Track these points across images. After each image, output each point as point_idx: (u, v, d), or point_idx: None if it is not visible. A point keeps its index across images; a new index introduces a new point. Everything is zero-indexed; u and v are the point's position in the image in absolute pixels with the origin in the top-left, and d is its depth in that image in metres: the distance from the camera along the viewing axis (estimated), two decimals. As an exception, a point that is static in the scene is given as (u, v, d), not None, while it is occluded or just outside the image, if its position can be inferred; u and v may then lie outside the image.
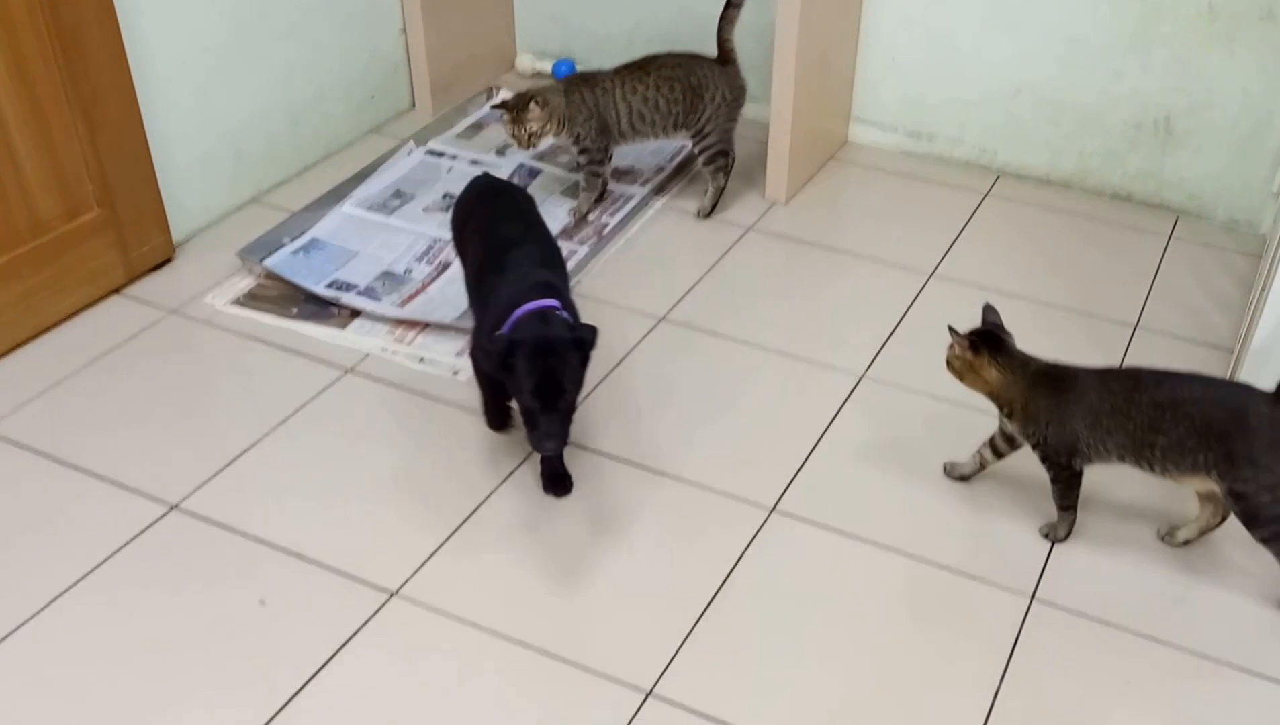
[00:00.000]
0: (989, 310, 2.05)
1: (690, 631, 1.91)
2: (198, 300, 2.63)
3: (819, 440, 2.29)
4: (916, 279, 2.75)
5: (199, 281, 2.69)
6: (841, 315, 2.66)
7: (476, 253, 2.23)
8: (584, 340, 1.96)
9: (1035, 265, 2.80)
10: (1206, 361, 2.43)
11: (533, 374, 1.90)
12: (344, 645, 1.88)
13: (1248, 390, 1.93)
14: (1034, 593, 1.98)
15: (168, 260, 2.74)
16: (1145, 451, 1.93)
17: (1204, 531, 2.03)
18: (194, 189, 2.82)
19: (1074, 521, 2.07)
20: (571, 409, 1.96)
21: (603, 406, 2.36)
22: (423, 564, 2.01)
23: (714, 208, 2.97)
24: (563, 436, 1.95)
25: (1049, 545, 2.07)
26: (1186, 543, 2.04)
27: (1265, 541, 1.92)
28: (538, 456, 2.17)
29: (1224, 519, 2.01)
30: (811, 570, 2.03)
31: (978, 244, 2.89)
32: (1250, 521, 1.91)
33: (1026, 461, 2.15)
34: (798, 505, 2.15)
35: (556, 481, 2.14)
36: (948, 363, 2.03)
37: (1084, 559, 2.05)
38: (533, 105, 2.77)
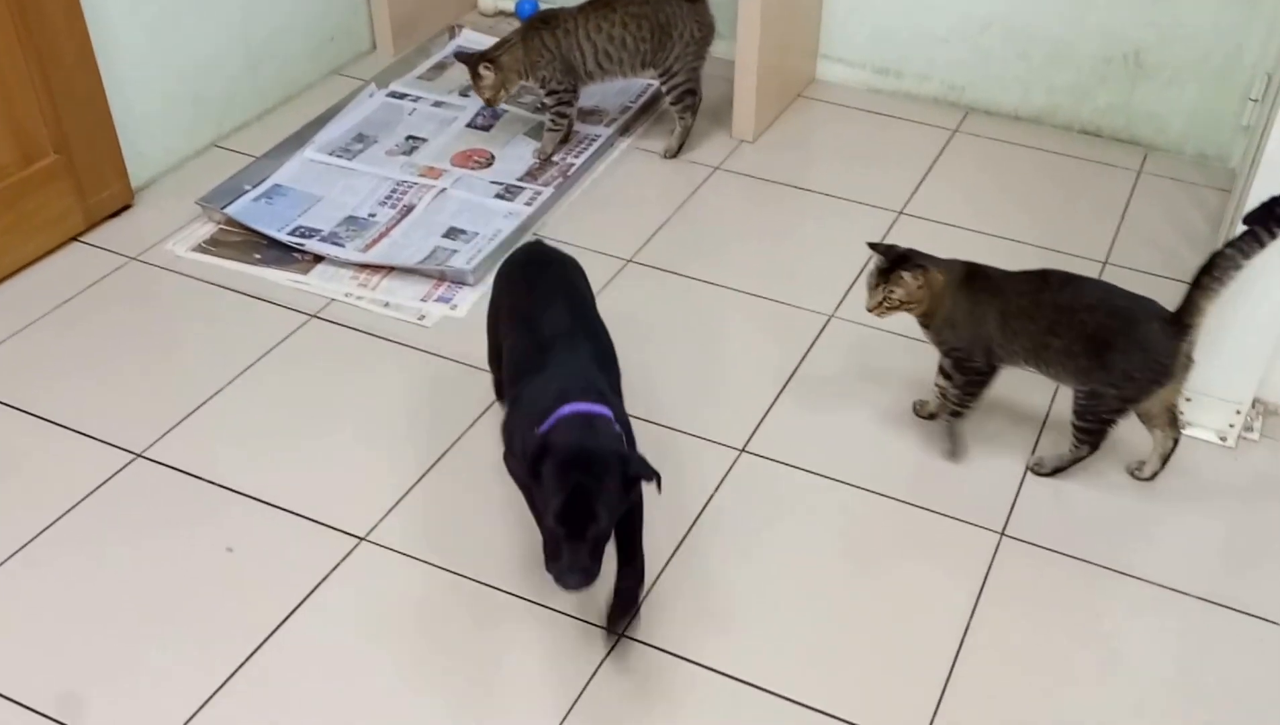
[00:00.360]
0: (873, 245, 2.02)
1: (661, 572, 1.90)
2: (158, 247, 2.59)
3: (788, 380, 2.28)
4: (885, 217, 2.73)
5: (159, 228, 2.64)
6: (810, 255, 2.65)
7: (515, 341, 1.89)
8: (629, 460, 1.62)
9: (1004, 202, 2.79)
10: (1175, 296, 2.43)
11: (560, 491, 1.56)
12: (313, 591, 1.86)
13: (1146, 307, 1.94)
14: (1004, 528, 1.99)
15: (127, 206, 2.70)
16: (1043, 353, 1.96)
17: (1164, 458, 2.04)
18: (152, 134, 2.77)
19: (960, 437, 2.09)
20: (604, 539, 1.59)
21: (571, 349, 2.34)
22: (391, 509, 2.00)
23: (681, 147, 2.94)
24: (590, 572, 1.57)
25: (1018, 481, 2.07)
26: (1154, 474, 2.06)
27: (1080, 430, 2.00)
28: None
29: (1176, 442, 2.03)
30: (783, 510, 2.03)
31: (946, 181, 2.87)
32: (1083, 414, 1.98)
33: (993, 401, 2.16)
34: (768, 446, 2.14)
35: (623, 611, 1.80)
36: (898, 304, 1.99)
37: (1052, 494, 2.06)
38: (482, 69, 2.75)
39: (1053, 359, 1.95)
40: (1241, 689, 1.76)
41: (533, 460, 1.59)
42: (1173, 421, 2.01)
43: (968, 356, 2.01)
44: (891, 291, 1.98)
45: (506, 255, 2.07)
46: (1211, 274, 1.86)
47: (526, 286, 1.94)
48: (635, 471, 1.62)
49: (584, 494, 1.56)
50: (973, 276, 2.00)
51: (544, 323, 1.83)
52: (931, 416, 2.18)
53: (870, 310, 2.02)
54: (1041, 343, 1.95)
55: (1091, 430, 1.99)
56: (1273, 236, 1.85)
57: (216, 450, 2.11)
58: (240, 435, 2.15)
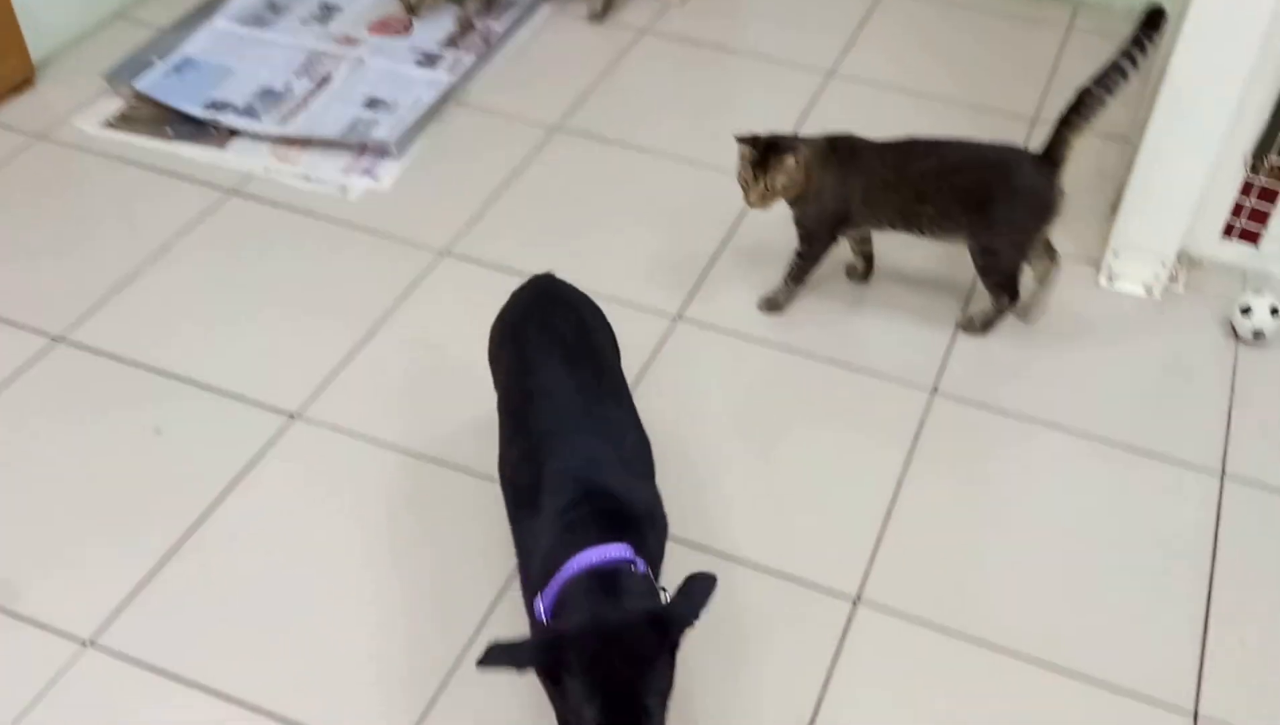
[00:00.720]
0: (740, 137, 1.98)
1: (598, 440, 1.90)
2: (65, 124, 2.49)
3: (722, 247, 2.26)
4: (816, 79, 2.70)
5: (64, 104, 2.54)
6: (741, 118, 2.59)
7: (512, 432, 1.52)
8: (667, 622, 1.24)
9: (934, 62, 2.76)
10: (1104, 152, 2.44)
11: (594, 695, 1.20)
12: (246, 469, 1.84)
13: (1015, 152, 2.00)
14: (935, 386, 2.01)
15: (27, 81, 2.58)
16: (914, 220, 1.99)
17: (1043, 280, 2.07)
18: (51, 3, 2.63)
19: (790, 297, 2.11)
20: None
21: (500, 218, 2.30)
22: (323, 386, 1.97)
23: (606, 10, 2.87)
24: None
25: (948, 342, 2.09)
26: (1043, 302, 2.09)
27: (992, 286, 2.05)
28: (437, 280, 2.11)
29: (1054, 258, 2.06)
30: (718, 374, 2.03)
31: (876, 42, 2.83)
32: (988, 272, 2.02)
33: (922, 262, 2.16)
34: (702, 312, 2.13)
35: None
36: (780, 190, 1.96)
37: (981, 352, 2.07)
38: None
39: (928, 225, 1.98)
40: (1161, 532, 1.81)
41: (546, 665, 1.23)
42: (1049, 247, 2.05)
43: (818, 228, 2.02)
44: (774, 179, 1.95)
45: (509, 298, 1.68)
46: (1079, 112, 1.91)
47: (526, 354, 1.56)
48: (677, 630, 1.25)
49: (625, 690, 1.20)
50: (836, 150, 1.99)
51: (545, 410, 1.47)
52: (863, 278, 2.18)
53: (753, 205, 1.98)
54: (911, 212, 1.97)
55: (1002, 283, 2.03)
56: (1135, 65, 1.89)
57: (139, 332, 2.06)
58: (163, 316, 2.09)
